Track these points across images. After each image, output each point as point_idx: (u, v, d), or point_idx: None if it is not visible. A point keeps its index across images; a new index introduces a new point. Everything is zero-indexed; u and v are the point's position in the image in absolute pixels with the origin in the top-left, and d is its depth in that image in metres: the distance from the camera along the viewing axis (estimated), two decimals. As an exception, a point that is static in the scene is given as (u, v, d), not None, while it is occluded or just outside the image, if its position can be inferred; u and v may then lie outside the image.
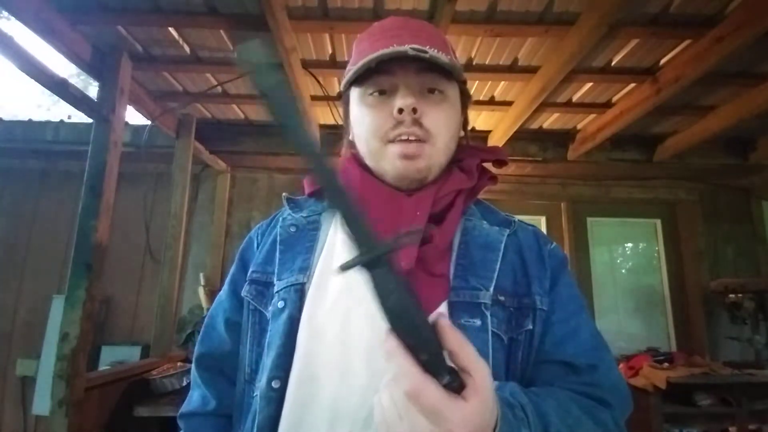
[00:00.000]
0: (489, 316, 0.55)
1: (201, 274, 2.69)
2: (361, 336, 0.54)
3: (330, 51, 1.96)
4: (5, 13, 1.48)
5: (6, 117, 2.81)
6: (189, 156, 2.45)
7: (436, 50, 0.57)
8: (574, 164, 2.78)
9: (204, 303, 2.62)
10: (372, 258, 0.35)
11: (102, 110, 1.77)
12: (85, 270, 1.62)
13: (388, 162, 0.60)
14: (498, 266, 0.59)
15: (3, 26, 1.46)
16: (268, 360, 0.57)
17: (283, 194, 0.73)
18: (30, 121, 2.79)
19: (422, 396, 0.35)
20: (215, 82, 2.19)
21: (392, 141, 0.59)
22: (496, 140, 2.62)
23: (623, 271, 3.19)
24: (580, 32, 1.61)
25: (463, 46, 1.89)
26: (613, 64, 1.98)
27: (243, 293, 0.65)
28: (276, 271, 0.62)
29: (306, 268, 0.60)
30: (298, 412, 0.53)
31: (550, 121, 2.57)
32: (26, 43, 1.50)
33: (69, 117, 2.88)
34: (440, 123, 0.60)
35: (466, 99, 0.66)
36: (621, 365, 2.52)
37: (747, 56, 1.81)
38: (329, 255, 0.61)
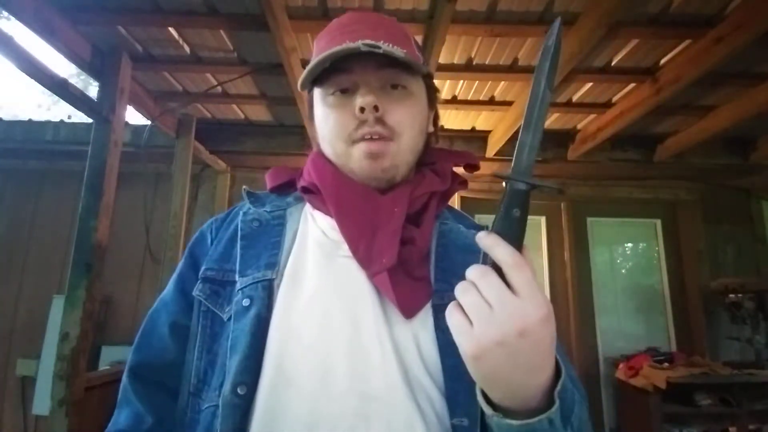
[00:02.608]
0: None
1: (201, 274, 2.70)
2: (342, 338, 0.51)
3: (330, 51, 1.96)
4: (5, 13, 1.48)
5: (6, 117, 2.82)
6: (189, 156, 2.45)
7: (391, 45, 0.54)
8: (574, 164, 2.78)
9: (204, 303, 2.62)
10: (526, 181, 0.43)
11: (102, 110, 1.77)
12: (85, 270, 1.62)
13: (355, 162, 0.58)
14: None
15: (3, 26, 1.46)
16: (231, 363, 0.50)
17: (243, 187, 0.68)
18: (30, 121, 2.79)
19: (522, 268, 0.39)
20: (215, 82, 2.19)
21: (357, 141, 0.57)
22: (496, 140, 2.62)
23: (623, 271, 3.19)
24: (580, 32, 1.61)
25: (463, 46, 1.89)
26: (613, 64, 1.98)
27: (194, 292, 0.58)
28: (238, 268, 0.57)
29: (274, 264, 0.56)
30: (269, 420, 0.48)
31: (550, 121, 2.57)
32: (26, 43, 1.50)
33: (69, 117, 2.88)
34: (404, 120, 0.58)
35: (432, 93, 0.64)
36: (621, 365, 2.53)
37: (747, 56, 1.81)
38: (301, 251, 0.58)
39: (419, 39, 1.83)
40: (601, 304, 2.96)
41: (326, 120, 0.59)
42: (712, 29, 1.62)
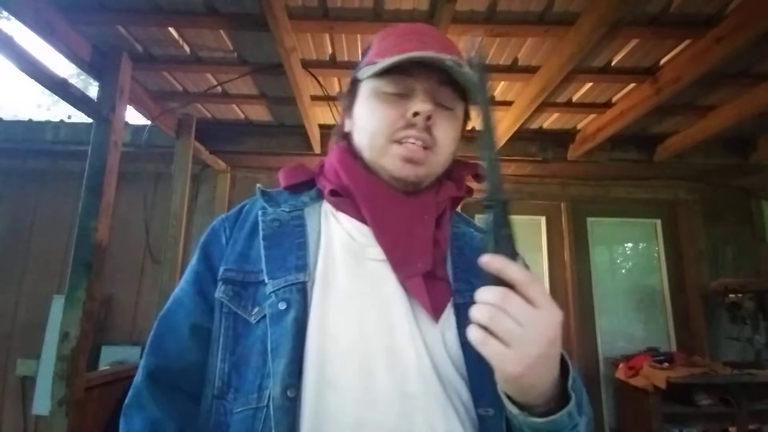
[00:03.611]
0: None
1: (201, 274, 2.69)
2: (379, 341, 0.52)
3: (330, 51, 1.96)
4: (5, 13, 1.48)
5: (6, 117, 2.81)
6: (189, 156, 2.45)
7: (468, 68, 0.57)
8: (574, 164, 2.77)
9: (204, 303, 2.62)
10: (502, 200, 0.46)
11: (102, 110, 1.77)
12: (85, 270, 1.62)
13: (389, 161, 0.59)
14: None
15: (3, 26, 1.46)
16: (277, 367, 0.50)
17: (258, 185, 0.67)
18: (30, 121, 2.79)
19: (533, 285, 0.42)
20: (215, 82, 2.19)
21: (398, 141, 0.58)
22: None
23: (623, 271, 3.19)
24: (580, 32, 1.61)
25: (463, 46, 1.88)
26: (613, 64, 1.98)
27: (217, 295, 0.58)
28: (265, 269, 0.56)
29: (304, 266, 0.56)
30: (317, 423, 0.49)
31: (550, 121, 2.57)
32: (26, 43, 1.50)
33: (69, 117, 2.88)
34: (448, 136, 0.60)
35: (467, 122, 0.67)
36: (621, 365, 2.53)
37: (747, 56, 1.81)
38: (329, 254, 0.58)
39: (419, 39, 1.83)
40: (601, 304, 2.96)
41: (373, 113, 0.60)
42: (712, 29, 1.62)
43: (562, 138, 2.72)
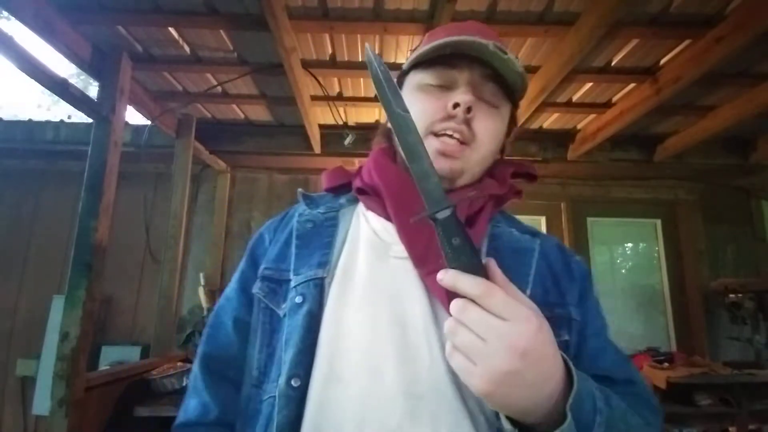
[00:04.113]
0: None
1: (201, 274, 2.69)
2: (390, 338, 0.52)
3: (330, 51, 1.96)
4: (5, 13, 1.48)
5: (6, 117, 2.81)
6: (189, 156, 2.45)
7: (513, 55, 0.57)
8: (574, 164, 2.78)
9: (204, 303, 2.62)
10: (443, 209, 0.43)
11: (102, 110, 1.77)
12: (85, 270, 1.62)
13: None
14: (533, 272, 0.58)
15: (3, 26, 1.46)
16: (286, 357, 0.53)
17: (299, 190, 0.71)
18: (30, 121, 2.79)
19: (491, 292, 0.39)
20: (215, 82, 2.19)
21: (436, 134, 0.57)
22: (496, 140, 2.62)
23: (623, 271, 3.19)
24: (580, 32, 1.61)
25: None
26: (613, 64, 1.98)
27: (254, 290, 0.62)
28: (292, 267, 0.60)
29: (325, 263, 0.58)
30: (321, 414, 0.50)
31: (550, 121, 2.57)
32: (26, 43, 1.50)
33: (69, 117, 2.88)
34: (488, 134, 0.59)
35: (513, 125, 0.65)
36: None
37: (747, 56, 1.81)
38: (353, 251, 0.59)
39: (419, 39, 1.83)
40: (601, 304, 2.95)
41: (414, 104, 0.59)
42: (712, 29, 1.62)
43: (562, 138, 2.72)
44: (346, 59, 2.01)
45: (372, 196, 0.62)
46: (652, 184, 3.01)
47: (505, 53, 0.55)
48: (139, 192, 2.59)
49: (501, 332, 0.37)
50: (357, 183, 0.65)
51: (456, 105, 0.55)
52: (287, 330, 0.55)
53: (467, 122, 0.56)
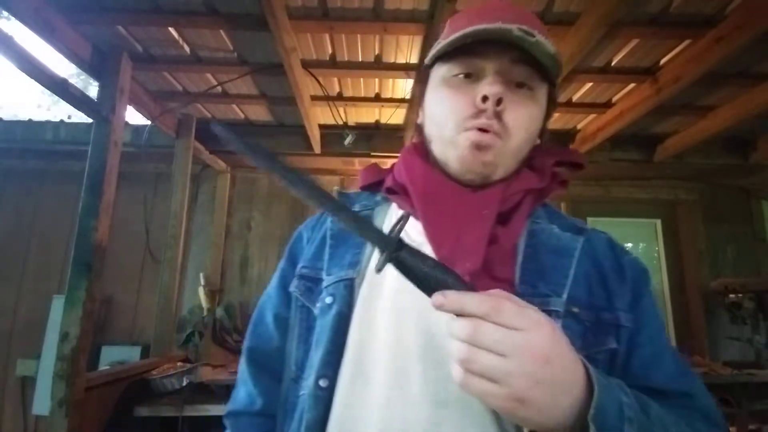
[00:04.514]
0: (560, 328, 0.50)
1: (201, 274, 2.69)
2: (416, 342, 0.51)
3: (330, 51, 1.96)
4: (5, 13, 1.48)
5: (6, 117, 2.81)
6: (189, 156, 2.45)
7: (543, 37, 0.51)
8: (574, 164, 2.77)
9: (204, 303, 2.62)
10: (391, 250, 0.40)
11: (102, 110, 1.77)
12: (85, 270, 1.62)
13: (457, 150, 0.55)
14: (572, 273, 0.53)
15: (3, 26, 1.46)
16: (315, 357, 0.54)
17: (335, 188, 0.70)
18: (30, 121, 2.79)
19: (501, 305, 0.36)
20: (215, 82, 2.19)
21: (468, 130, 0.54)
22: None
23: (623, 271, 3.18)
24: (580, 32, 1.61)
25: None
26: (613, 64, 1.98)
27: (291, 288, 0.63)
28: (325, 266, 0.60)
29: (356, 264, 0.57)
30: (347, 414, 0.50)
31: (550, 120, 2.57)
32: (26, 43, 1.50)
33: (69, 117, 2.88)
34: (521, 122, 0.54)
35: (552, 106, 0.61)
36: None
37: (747, 56, 1.81)
38: None
39: (419, 39, 1.83)
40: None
41: (442, 102, 0.57)
42: (712, 29, 1.62)
43: (562, 138, 2.71)
44: (346, 59, 2.01)
45: (402, 195, 0.60)
46: (652, 184, 3.01)
47: (533, 36, 0.49)
48: (139, 192, 2.59)
49: (520, 344, 0.35)
50: (387, 182, 0.63)
51: (485, 98, 0.52)
52: (317, 330, 0.56)
53: (497, 115, 0.53)
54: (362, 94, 2.33)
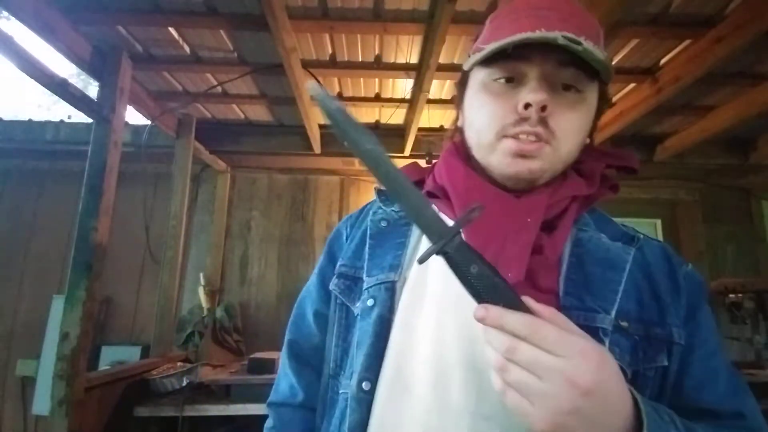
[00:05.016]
0: (608, 344, 0.47)
1: (201, 274, 2.69)
2: (457, 353, 0.49)
3: (330, 51, 1.96)
4: (5, 13, 1.48)
5: (6, 117, 2.81)
6: (189, 156, 2.45)
7: (592, 43, 0.47)
8: (574, 164, 2.77)
9: (204, 303, 2.62)
10: (444, 244, 0.39)
11: (102, 110, 1.77)
12: (85, 270, 1.62)
13: (497, 158, 0.52)
14: (621, 288, 0.50)
15: (3, 26, 1.46)
16: (357, 360, 0.54)
17: (374, 186, 0.68)
18: (30, 121, 2.79)
19: (542, 329, 0.35)
20: (215, 82, 2.19)
21: (509, 137, 0.51)
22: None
23: (623, 271, 3.18)
24: (580, 32, 1.61)
25: (463, 46, 1.89)
26: (613, 64, 1.97)
27: (331, 287, 0.62)
28: (365, 266, 0.59)
29: (397, 266, 0.56)
30: (387, 420, 0.50)
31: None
32: (26, 43, 1.50)
33: (69, 117, 2.88)
34: (569, 128, 0.51)
35: (603, 104, 0.57)
36: (621, 365, 2.52)
37: (747, 56, 1.81)
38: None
39: (419, 39, 1.83)
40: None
41: (482, 107, 0.54)
42: (712, 29, 1.62)
43: (562, 138, 2.71)
44: (346, 59, 2.01)
45: (442, 199, 0.58)
46: (652, 184, 3.01)
47: (579, 44, 0.46)
48: (139, 192, 2.59)
49: (559, 370, 0.34)
50: (428, 185, 0.61)
51: (527, 105, 0.49)
52: (359, 332, 0.55)
53: (543, 121, 0.49)
54: (362, 94, 2.33)
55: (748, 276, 2.82)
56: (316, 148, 2.67)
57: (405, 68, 2.03)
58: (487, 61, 0.52)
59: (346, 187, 3.02)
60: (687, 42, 1.78)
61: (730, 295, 2.67)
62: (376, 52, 1.96)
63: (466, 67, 0.57)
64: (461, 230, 0.40)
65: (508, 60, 0.50)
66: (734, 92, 2.12)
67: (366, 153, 0.43)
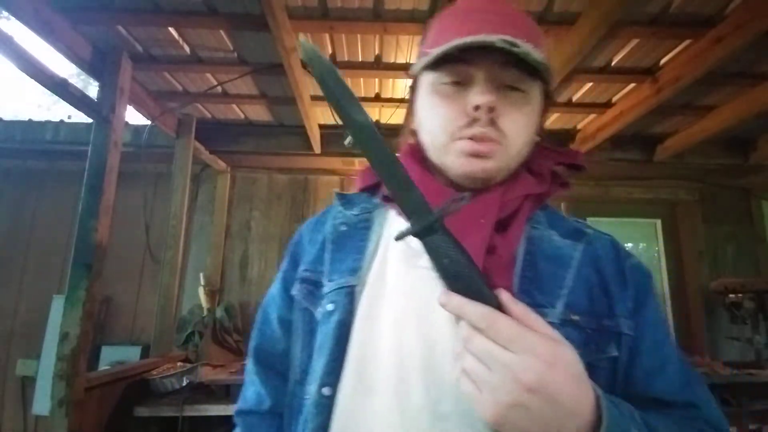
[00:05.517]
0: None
1: (201, 274, 2.69)
2: (416, 354, 0.50)
3: (330, 51, 1.96)
4: (5, 13, 1.48)
5: (6, 117, 2.81)
6: (189, 156, 2.45)
7: (531, 45, 0.49)
8: (574, 164, 2.77)
9: (204, 303, 2.62)
10: (424, 226, 0.39)
11: (102, 110, 1.77)
12: (85, 270, 1.62)
13: (452, 158, 0.54)
14: (570, 282, 0.52)
15: (3, 26, 1.46)
16: (318, 365, 0.53)
17: (334, 190, 0.69)
18: (30, 121, 2.79)
19: (497, 323, 0.36)
20: (215, 82, 2.19)
21: (462, 138, 0.53)
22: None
23: (623, 271, 3.19)
24: (580, 32, 1.61)
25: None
26: (613, 64, 1.98)
27: (293, 292, 0.62)
28: (326, 270, 0.59)
29: (356, 270, 0.56)
30: (348, 423, 0.50)
31: (550, 120, 2.57)
32: (26, 43, 1.50)
33: (69, 117, 2.88)
34: (517, 126, 0.53)
35: (548, 102, 0.59)
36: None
37: (747, 56, 1.81)
38: (383, 258, 0.57)
39: (419, 39, 1.83)
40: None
41: (432, 110, 0.56)
42: (712, 29, 1.62)
43: (562, 138, 2.71)
44: (346, 59, 2.01)
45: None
46: (652, 184, 3.01)
47: (517, 46, 0.48)
48: (139, 192, 2.59)
49: (506, 364, 0.36)
50: (383, 188, 0.61)
51: (476, 107, 0.51)
52: (320, 337, 0.55)
53: (492, 122, 0.52)
54: (362, 94, 2.33)
55: (748, 276, 2.82)
56: (316, 148, 2.67)
57: (405, 68, 2.03)
58: (434, 65, 0.54)
59: (345, 187, 3.02)
60: (687, 42, 1.78)
61: (730, 295, 2.67)
62: (376, 52, 1.96)
63: (414, 72, 0.58)
64: (440, 216, 0.41)
65: (454, 63, 0.52)
66: (734, 92, 2.12)
67: (355, 124, 0.42)
